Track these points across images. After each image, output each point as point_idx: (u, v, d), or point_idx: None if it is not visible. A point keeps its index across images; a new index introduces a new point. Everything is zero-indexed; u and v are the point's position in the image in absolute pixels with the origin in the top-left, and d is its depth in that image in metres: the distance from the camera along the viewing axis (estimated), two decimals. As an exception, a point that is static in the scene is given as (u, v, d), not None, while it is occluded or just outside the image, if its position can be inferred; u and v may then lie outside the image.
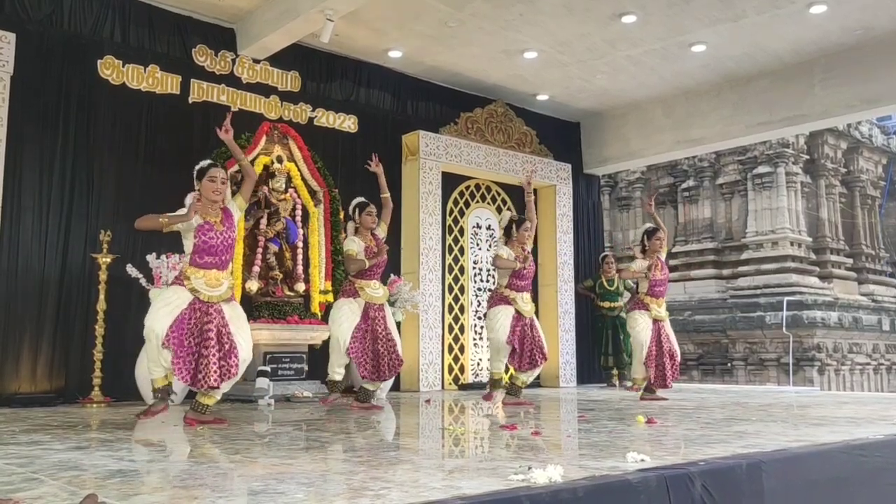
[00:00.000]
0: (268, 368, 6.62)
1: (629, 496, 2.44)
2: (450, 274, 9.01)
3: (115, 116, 6.69)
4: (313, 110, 7.97)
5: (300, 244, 7.35)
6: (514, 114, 9.57)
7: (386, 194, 5.90)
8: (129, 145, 6.76)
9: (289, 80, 7.81)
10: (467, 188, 9.38)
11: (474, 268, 9.32)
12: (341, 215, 7.39)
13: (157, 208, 4.74)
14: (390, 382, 7.02)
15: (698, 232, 13.58)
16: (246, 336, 4.61)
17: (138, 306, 6.06)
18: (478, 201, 9.50)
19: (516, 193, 9.75)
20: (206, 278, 4.48)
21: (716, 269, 13.21)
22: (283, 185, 7.25)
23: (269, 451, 3.51)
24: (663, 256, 6.85)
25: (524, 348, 6.05)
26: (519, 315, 6.09)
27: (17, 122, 6.11)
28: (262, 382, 6.38)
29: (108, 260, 6.20)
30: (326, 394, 5.88)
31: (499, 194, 9.69)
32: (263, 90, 7.61)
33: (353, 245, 5.63)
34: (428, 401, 6.88)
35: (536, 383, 8.34)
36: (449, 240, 9.04)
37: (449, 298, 8.92)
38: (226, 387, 4.53)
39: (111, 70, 6.68)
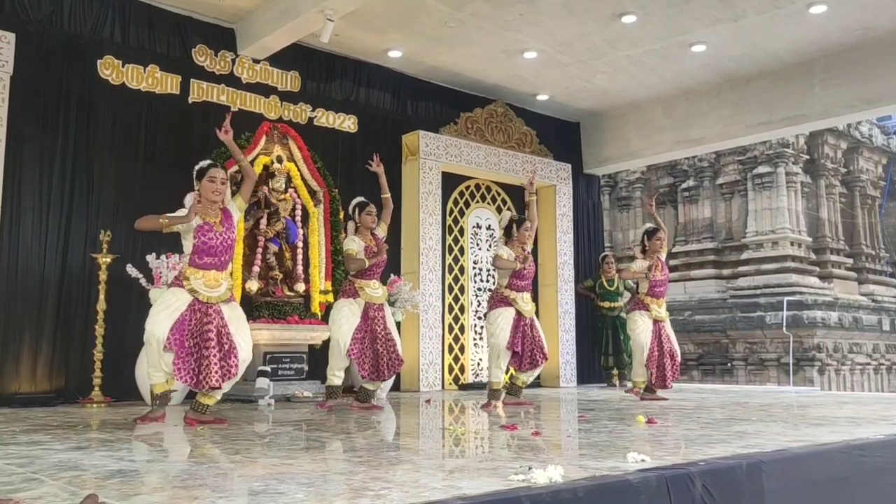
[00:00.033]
0: (268, 368, 6.62)
1: (629, 496, 2.44)
2: (450, 274, 9.01)
3: (115, 116, 6.69)
4: (313, 110, 7.97)
5: (300, 244, 7.35)
6: (514, 114, 9.57)
7: (386, 194, 5.89)
8: (129, 145, 6.76)
9: (289, 80, 7.81)
10: (467, 188, 9.38)
11: (474, 268, 9.32)
12: (341, 215, 7.39)
13: (157, 208, 4.74)
14: (390, 382, 7.02)
15: (698, 232, 13.58)
16: (245, 336, 4.61)
17: (138, 306, 6.07)
18: (478, 201, 9.51)
19: (516, 193, 9.75)
20: (206, 279, 4.47)
21: (716, 269, 13.21)
22: (283, 185, 7.25)
23: (269, 451, 3.50)
24: (663, 257, 6.85)
25: (525, 348, 6.05)
26: (519, 315, 6.08)
27: (17, 122, 6.11)
28: (263, 382, 6.37)
29: (108, 260, 6.20)
30: (325, 398, 5.82)
31: (499, 194, 9.69)
32: (263, 90, 7.61)
33: (353, 244, 5.63)
34: (428, 401, 6.88)
35: (536, 383, 8.34)
36: (449, 240, 9.04)
37: (449, 298, 8.92)
38: (226, 387, 4.53)
39: (111, 70, 6.68)
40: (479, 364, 9.06)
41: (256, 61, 7.55)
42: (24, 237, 6.12)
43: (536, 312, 6.42)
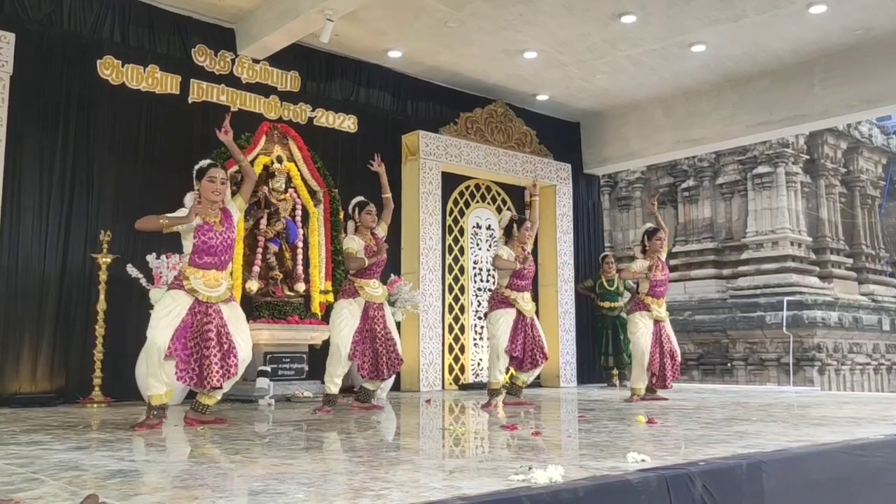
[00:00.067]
0: (268, 368, 6.62)
1: (630, 496, 2.44)
2: (450, 274, 9.01)
3: (115, 116, 6.69)
4: (313, 110, 7.97)
5: (300, 244, 7.35)
6: (514, 114, 9.57)
7: (387, 194, 5.89)
8: (129, 145, 6.77)
9: (288, 80, 7.81)
10: (467, 188, 9.38)
11: (474, 268, 9.32)
12: (341, 215, 7.39)
13: (157, 208, 4.73)
14: (390, 382, 7.02)
15: (698, 232, 13.58)
16: (245, 336, 4.60)
17: (138, 306, 6.07)
18: (478, 201, 9.51)
19: (516, 193, 9.76)
20: (205, 279, 4.46)
21: (716, 269, 13.21)
22: (283, 185, 7.25)
23: (269, 451, 3.50)
24: (664, 256, 6.84)
25: (525, 348, 6.05)
26: (520, 315, 6.08)
27: (17, 122, 6.12)
28: (263, 382, 6.38)
29: (108, 260, 6.20)
30: (322, 404, 5.73)
31: (499, 194, 9.69)
32: (263, 90, 7.61)
33: (353, 243, 5.62)
34: (428, 401, 6.88)
35: (536, 383, 8.34)
36: (449, 240, 9.04)
37: (449, 298, 8.92)
38: (226, 387, 4.52)
39: (111, 70, 6.68)
40: (479, 364, 9.06)
41: (256, 61, 7.55)
42: (24, 237, 6.12)
43: (536, 312, 6.42)
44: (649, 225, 6.97)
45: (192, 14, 7.18)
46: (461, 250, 9.22)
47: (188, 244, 4.51)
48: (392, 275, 7.40)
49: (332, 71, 8.16)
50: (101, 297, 6.17)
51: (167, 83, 6.99)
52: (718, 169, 13.49)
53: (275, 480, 2.58)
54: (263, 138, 7.22)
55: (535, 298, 6.98)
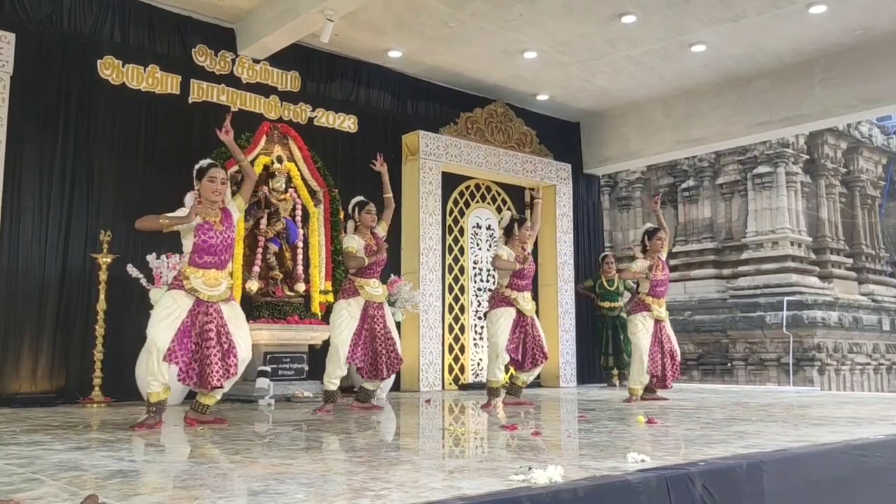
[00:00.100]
0: (268, 368, 6.62)
1: (629, 496, 2.44)
2: (450, 274, 9.01)
3: (115, 116, 6.69)
4: (313, 110, 7.97)
5: (300, 244, 7.35)
6: (514, 114, 9.57)
7: (389, 194, 5.89)
8: (129, 145, 6.77)
9: (289, 80, 7.81)
10: (467, 188, 9.38)
11: (474, 268, 9.32)
12: (341, 215, 7.39)
13: (157, 208, 4.73)
14: (390, 382, 7.02)
15: (698, 232, 13.58)
16: (245, 336, 4.60)
17: (138, 306, 6.07)
18: (478, 201, 9.51)
19: (516, 193, 9.78)
20: (206, 278, 4.46)
21: (716, 269, 13.21)
22: (283, 185, 7.25)
23: (269, 451, 3.50)
24: (664, 256, 6.84)
25: (525, 348, 6.05)
26: (520, 314, 6.08)
27: (17, 122, 6.11)
28: (263, 382, 6.38)
29: (109, 260, 6.20)
30: (322, 403, 5.74)
31: (499, 194, 9.69)
32: (263, 90, 7.61)
33: (353, 242, 5.62)
34: (428, 401, 6.88)
35: (536, 383, 8.34)
36: (449, 240, 9.04)
37: (449, 298, 8.92)
38: (226, 386, 4.52)
39: (111, 70, 6.68)
40: (479, 364, 9.06)
41: (256, 61, 7.55)
42: (24, 237, 6.12)
43: (536, 312, 6.42)
44: (649, 225, 6.97)
45: (192, 14, 7.18)
46: (461, 250, 9.22)
47: (188, 243, 4.51)
48: (392, 275, 7.40)
49: (332, 71, 8.16)
50: (101, 297, 6.17)
51: (167, 83, 7.00)
52: (718, 169, 13.49)
53: (275, 480, 2.58)
54: (263, 138, 7.22)
55: (535, 298, 6.98)
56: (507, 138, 9.45)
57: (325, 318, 6.59)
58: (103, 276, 6.18)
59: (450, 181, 9.00)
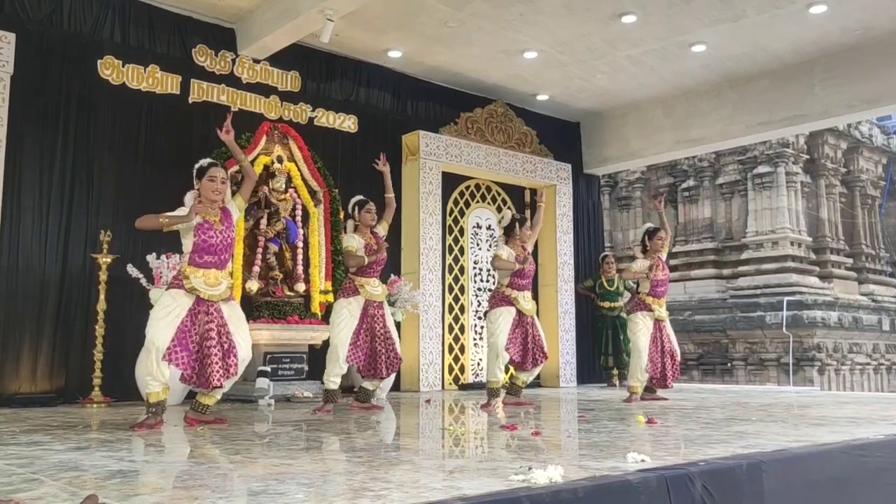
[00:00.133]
0: (268, 368, 6.61)
1: (629, 496, 2.44)
2: (450, 274, 9.01)
3: (115, 116, 6.69)
4: (313, 110, 7.97)
5: (300, 244, 7.35)
6: (514, 114, 9.57)
7: (390, 194, 5.89)
8: (129, 145, 6.77)
9: (289, 80, 7.81)
10: (467, 188, 9.38)
11: (474, 268, 9.32)
12: (341, 215, 7.39)
13: (157, 208, 4.73)
14: (390, 382, 7.02)
15: (698, 232, 13.59)
16: (245, 336, 4.60)
17: (138, 306, 6.07)
18: (478, 201, 9.51)
19: (516, 193, 9.78)
20: (206, 277, 4.45)
21: (716, 269, 13.21)
22: (283, 185, 7.25)
23: (269, 451, 3.51)
24: (664, 256, 6.85)
25: (526, 348, 6.05)
26: (520, 314, 6.08)
27: (17, 122, 6.11)
28: (263, 382, 6.37)
29: (109, 260, 6.19)
30: (322, 402, 5.73)
31: (499, 194, 9.69)
32: (263, 90, 7.61)
33: (353, 241, 5.62)
34: (428, 401, 6.88)
35: (536, 383, 8.34)
36: (449, 240, 9.04)
37: (449, 298, 8.92)
38: (226, 386, 4.52)
39: (111, 70, 6.68)
40: (479, 364, 9.06)
41: (256, 61, 7.55)
42: (24, 237, 6.12)
43: (536, 312, 6.42)
44: (649, 225, 6.98)
45: (192, 14, 7.18)
46: (461, 250, 9.22)
47: (188, 243, 4.51)
48: (392, 275, 7.40)
49: (332, 71, 8.16)
50: (101, 297, 6.17)
51: (167, 83, 6.99)
52: (718, 169, 13.49)
53: (275, 480, 2.58)
54: (264, 138, 7.22)
55: (535, 298, 6.98)
56: (507, 138, 9.45)
57: (325, 318, 6.59)
58: (103, 276, 6.18)
59: (450, 181, 8.99)
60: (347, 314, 5.56)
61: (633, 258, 7.21)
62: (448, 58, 8.37)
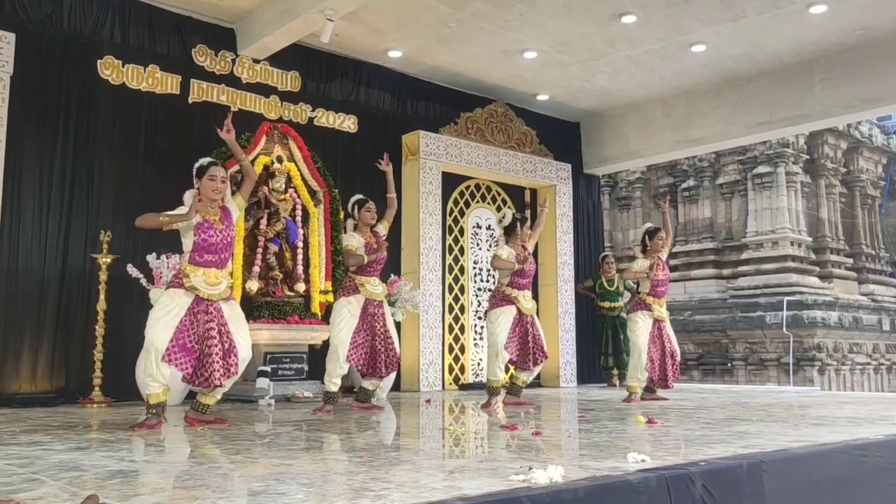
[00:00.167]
0: (268, 368, 6.62)
1: (630, 496, 2.43)
2: (450, 274, 9.01)
3: (115, 116, 6.69)
4: (313, 110, 7.97)
5: (300, 244, 7.35)
6: (514, 114, 9.57)
7: (392, 194, 5.89)
8: (129, 145, 6.77)
9: (289, 80, 7.81)
10: (467, 188, 9.38)
11: (474, 268, 9.32)
12: (341, 215, 7.39)
13: (157, 208, 4.72)
14: (390, 382, 7.03)
15: (698, 232, 13.59)
16: (245, 335, 4.60)
17: (138, 306, 6.06)
18: (478, 201, 9.51)
19: (516, 193, 9.78)
20: (206, 276, 4.44)
21: (716, 269, 13.21)
22: (283, 185, 7.25)
23: (269, 451, 3.50)
24: (664, 256, 6.85)
25: (526, 348, 6.05)
26: (520, 314, 6.08)
27: (17, 122, 6.11)
28: (263, 382, 6.37)
29: (108, 260, 6.19)
30: (322, 403, 5.72)
31: (499, 194, 9.69)
32: (263, 90, 7.61)
33: (353, 240, 5.62)
34: (428, 401, 6.88)
35: (536, 383, 8.34)
36: (449, 240, 9.04)
37: (449, 298, 8.92)
38: (226, 385, 4.52)
39: (111, 70, 6.68)
40: (479, 364, 9.06)
41: (256, 61, 7.55)
42: (24, 237, 6.12)
43: (536, 312, 6.42)
44: (649, 225, 6.99)
45: (192, 14, 7.18)
46: (461, 250, 9.22)
47: (188, 242, 4.51)
48: (392, 275, 7.40)
49: (332, 71, 8.16)
50: (101, 297, 6.17)
51: (167, 83, 6.99)
52: (718, 169, 13.49)
53: (275, 480, 2.58)
54: (264, 138, 7.22)
55: (535, 298, 6.98)
56: (507, 138, 9.45)
57: (325, 318, 6.59)
58: (103, 276, 6.18)
59: (450, 181, 8.99)
60: (347, 313, 5.56)
61: (633, 258, 7.21)
62: (448, 58, 8.37)
